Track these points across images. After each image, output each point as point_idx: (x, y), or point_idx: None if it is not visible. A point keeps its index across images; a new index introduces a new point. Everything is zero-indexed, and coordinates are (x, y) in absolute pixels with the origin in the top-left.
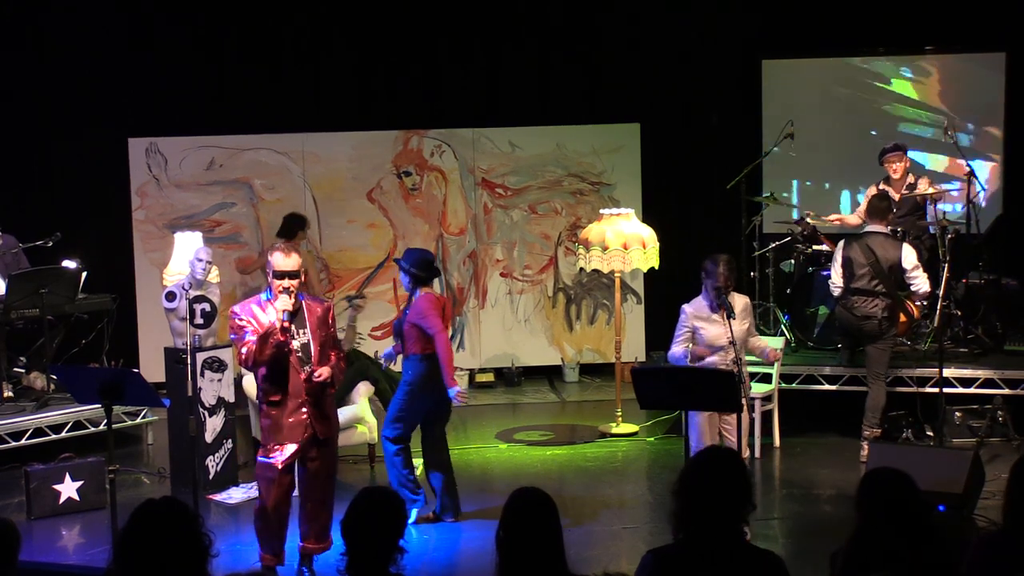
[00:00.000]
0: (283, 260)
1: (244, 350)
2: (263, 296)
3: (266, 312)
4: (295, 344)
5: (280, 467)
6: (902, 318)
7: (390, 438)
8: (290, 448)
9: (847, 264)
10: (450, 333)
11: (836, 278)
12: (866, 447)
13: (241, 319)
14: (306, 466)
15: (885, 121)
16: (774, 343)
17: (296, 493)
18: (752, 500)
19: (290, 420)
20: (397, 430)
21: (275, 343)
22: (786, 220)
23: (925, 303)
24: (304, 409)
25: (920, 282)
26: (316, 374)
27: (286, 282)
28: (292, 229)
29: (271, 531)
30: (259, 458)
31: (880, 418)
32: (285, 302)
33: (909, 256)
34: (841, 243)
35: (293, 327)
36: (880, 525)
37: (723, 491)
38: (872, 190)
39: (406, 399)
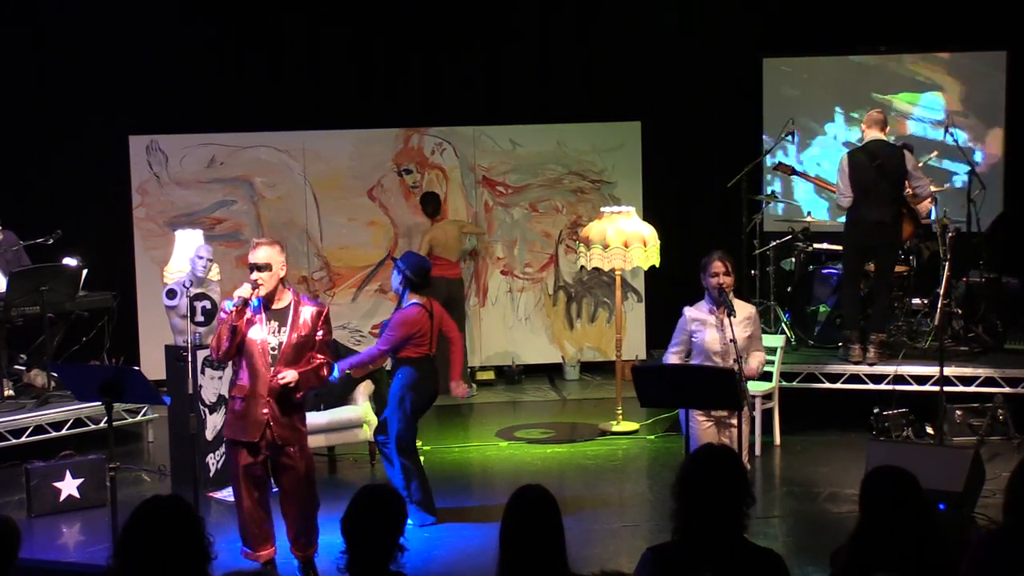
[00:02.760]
0: (251, 254)
1: (213, 342)
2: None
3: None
4: (271, 341)
5: (245, 461)
6: (907, 225)
7: (398, 450)
8: (247, 442)
9: (854, 172)
10: (432, 349)
11: (844, 188)
12: (872, 351)
13: (223, 314)
14: (277, 473)
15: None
16: (775, 341)
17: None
18: (751, 497)
19: (249, 417)
20: (403, 435)
21: (230, 327)
22: (787, 219)
23: (927, 216)
24: (265, 410)
25: (923, 184)
26: (280, 376)
27: (254, 275)
28: (436, 206)
29: (246, 526)
30: (227, 454)
31: (884, 325)
32: (244, 289)
33: (910, 159)
34: (844, 156)
35: (274, 323)
36: (882, 524)
37: (721, 489)
38: None
39: (400, 402)
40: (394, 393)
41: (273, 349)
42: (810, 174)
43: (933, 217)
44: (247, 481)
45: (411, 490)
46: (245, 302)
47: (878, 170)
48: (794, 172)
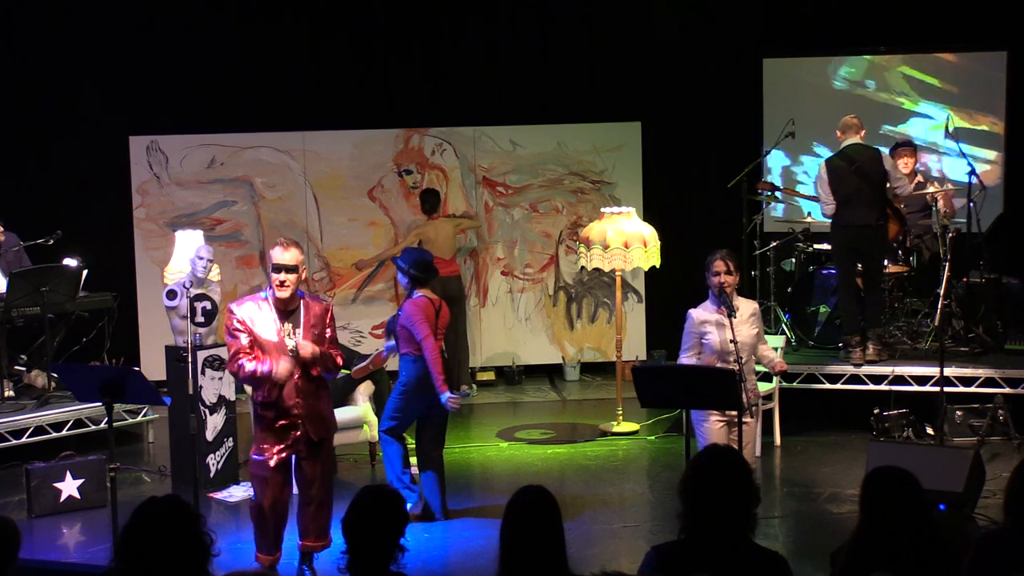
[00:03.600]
0: (281, 253)
1: (238, 364)
2: (263, 294)
3: (261, 311)
4: (288, 344)
5: (273, 465)
6: (892, 225)
7: (383, 431)
8: (282, 447)
9: (833, 178)
10: (441, 341)
11: (825, 196)
12: (871, 348)
13: (236, 321)
14: (302, 466)
15: (886, 120)
16: (775, 342)
17: (295, 492)
18: (757, 498)
19: (282, 422)
20: (390, 425)
21: (258, 379)
22: (787, 220)
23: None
24: (296, 411)
25: (902, 184)
26: (301, 346)
27: (282, 275)
28: (435, 203)
29: (265, 530)
30: (253, 456)
31: (879, 320)
32: (284, 371)
33: (888, 160)
34: (821, 164)
35: (288, 325)
36: (883, 524)
37: (728, 490)
38: None
39: (400, 399)
40: (397, 385)
41: (291, 351)
42: (808, 179)
43: (934, 218)
44: (277, 490)
45: (394, 471)
46: (288, 315)
47: (857, 173)
48: (775, 188)
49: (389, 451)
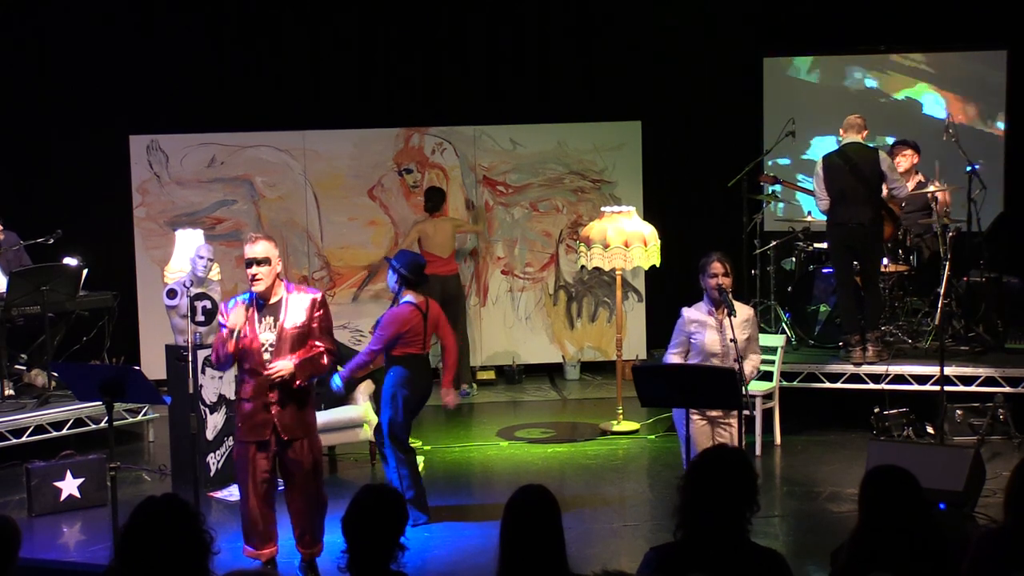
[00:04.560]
0: (250, 248)
1: (213, 354)
2: (245, 295)
3: (243, 307)
4: (270, 338)
5: (250, 456)
6: (887, 225)
7: (390, 441)
8: (256, 440)
9: (829, 175)
10: (426, 347)
11: (820, 192)
12: (871, 349)
13: (222, 316)
14: (283, 464)
15: (886, 119)
16: (775, 341)
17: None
18: (757, 500)
19: (257, 417)
20: (392, 430)
21: (226, 353)
22: (787, 219)
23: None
24: (270, 408)
25: (899, 185)
26: (272, 370)
27: (253, 269)
28: (438, 202)
29: (249, 523)
30: (235, 450)
31: (877, 322)
32: (239, 316)
33: (885, 160)
34: (819, 160)
35: (269, 319)
36: (882, 523)
37: (729, 490)
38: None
39: (392, 399)
40: (386, 390)
41: (272, 346)
42: (802, 177)
43: (934, 218)
44: (254, 479)
45: (403, 487)
46: (264, 305)
47: (853, 172)
48: (777, 181)
49: (400, 469)
